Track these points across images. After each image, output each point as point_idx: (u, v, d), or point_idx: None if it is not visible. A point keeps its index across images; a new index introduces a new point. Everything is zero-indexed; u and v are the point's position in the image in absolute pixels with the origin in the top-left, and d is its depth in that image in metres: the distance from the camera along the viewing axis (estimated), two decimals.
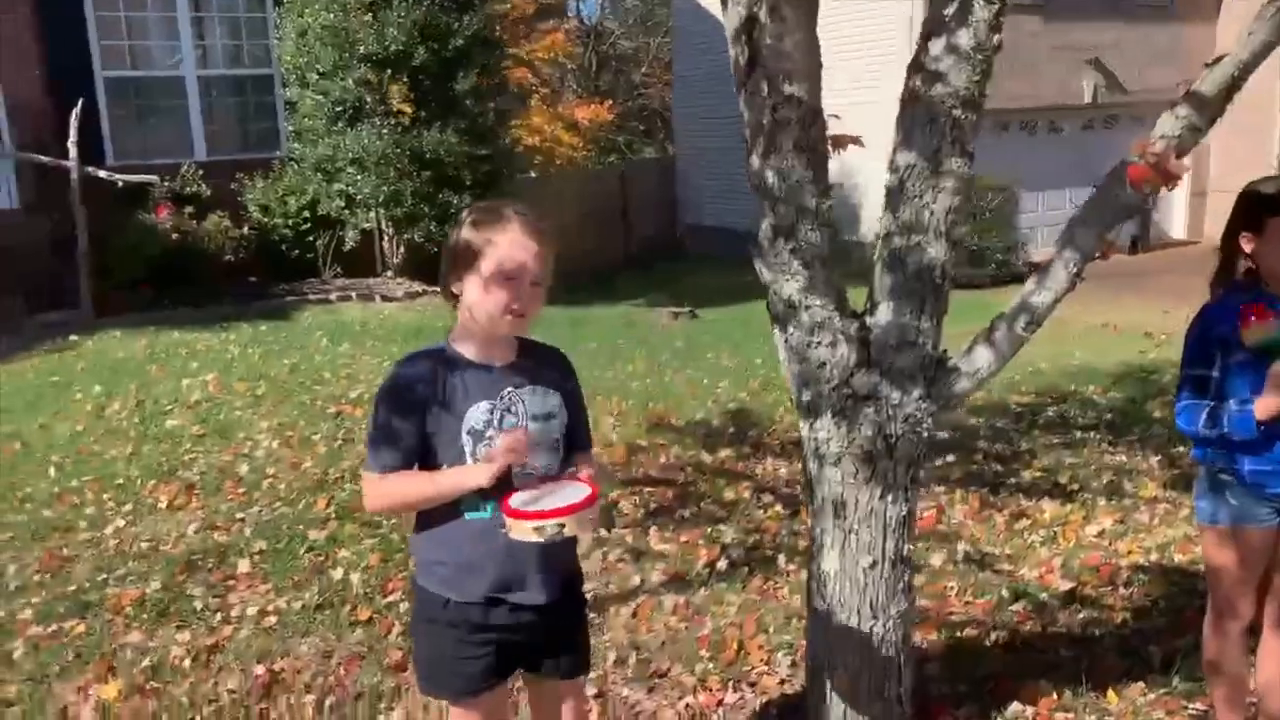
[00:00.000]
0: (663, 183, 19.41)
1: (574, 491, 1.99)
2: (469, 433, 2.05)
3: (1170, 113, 2.25)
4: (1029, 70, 14.01)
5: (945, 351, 2.48)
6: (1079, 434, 5.98)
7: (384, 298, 10.67)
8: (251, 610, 3.61)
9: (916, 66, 2.38)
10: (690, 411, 6.55)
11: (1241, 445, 2.56)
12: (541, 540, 1.91)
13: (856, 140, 2.50)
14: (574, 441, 2.21)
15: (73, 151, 9.29)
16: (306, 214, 11.30)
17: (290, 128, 11.70)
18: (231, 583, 3.88)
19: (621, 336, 9.47)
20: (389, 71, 10.79)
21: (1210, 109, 2.19)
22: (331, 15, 10.71)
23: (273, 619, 3.56)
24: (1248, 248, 2.59)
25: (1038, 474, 5.25)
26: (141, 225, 9.86)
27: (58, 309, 9.25)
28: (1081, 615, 3.67)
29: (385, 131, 10.68)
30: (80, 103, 9.50)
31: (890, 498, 2.48)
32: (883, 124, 2.57)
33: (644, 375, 7.66)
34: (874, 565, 2.49)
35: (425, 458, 2.06)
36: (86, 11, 11.09)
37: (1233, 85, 2.18)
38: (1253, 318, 2.49)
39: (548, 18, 19.80)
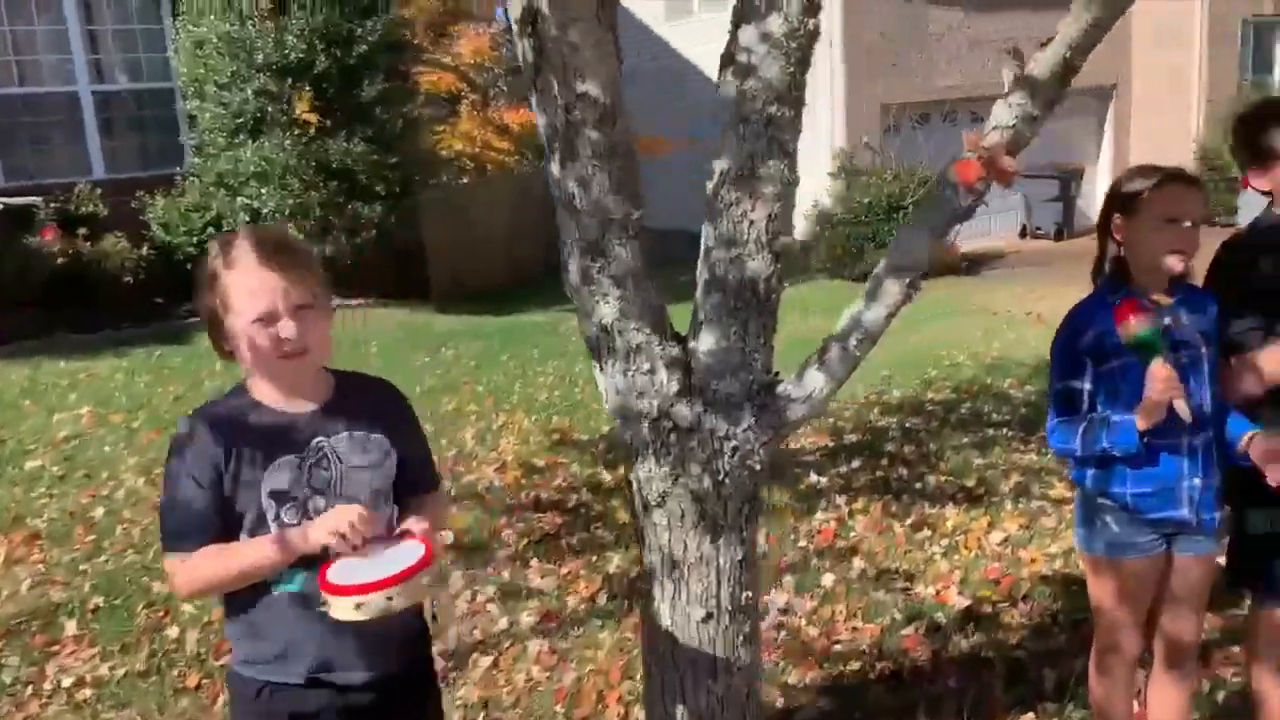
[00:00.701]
0: None
1: (403, 553, 1.69)
2: (271, 495, 1.76)
3: (1003, 100, 2.01)
4: (949, 62, 13.94)
5: (778, 374, 2.23)
6: (990, 432, 5.79)
7: None
8: (68, 681, 3.27)
9: (727, 59, 2.12)
10: (596, 425, 6.27)
11: (1123, 463, 2.33)
12: (365, 618, 1.62)
13: (667, 145, 2.24)
14: (413, 485, 1.94)
15: None
16: (212, 230, 10.86)
17: (192, 142, 11.26)
18: (54, 648, 3.52)
19: (538, 345, 9.16)
20: (290, 81, 10.39)
21: (1044, 94, 1.95)
22: (228, 25, 10.29)
23: (89, 691, 3.22)
24: (1119, 235, 2.38)
25: (944, 478, 5.04)
26: (26, 249, 9.36)
27: None
28: (976, 637, 3.45)
29: (289, 143, 10.28)
30: None
31: (723, 541, 2.21)
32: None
33: (553, 387, 7.37)
34: (709, 618, 2.23)
35: (229, 526, 1.76)
36: None
37: (1067, 67, 1.94)
38: (1131, 317, 2.25)
39: (467, 21, 19.39)
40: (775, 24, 2.04)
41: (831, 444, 5.67)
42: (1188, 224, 2.29)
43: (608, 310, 2.17)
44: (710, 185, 2.16)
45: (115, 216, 10.46)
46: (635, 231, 2.15)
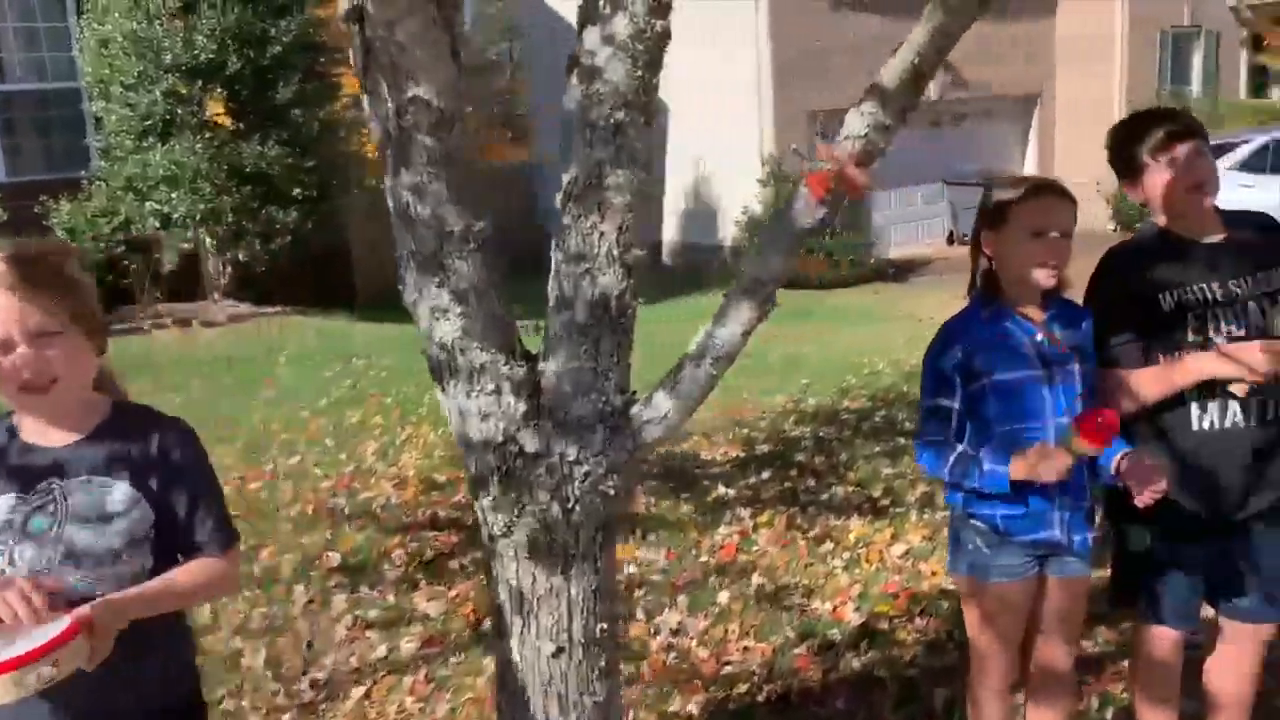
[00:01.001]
0: (526, 189, 18.86)
1: (45, 634, 1.46)
2: None
3: (855, 109, 1.93)
4: (873, 69, 14.04)
5: (634, 394, 2.11)
6: (902, 440, 5.74)
7: (205, 323, 9.96)
8: None
9: (572, 63, 2.00)
10: None
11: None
12: None
13: (523, 154, 2.12)
14: (173, 545, 1.73)
15: None
16: (120, 236, 10.51)
17: (99, 144, 10.88)
18: None
19: None
20: (201, 82, 10.09)
21: (895, 102, 1.87)
22: (134, 23, 9.95)
23: None
24: (988, 249, 2.32)
25: (851, 488, 4.99)
26: None
27: None
28: (869, 655, 3.38)
29: (200, 146, 9.97)
30: None
31: (575, 571, 2.09)
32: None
33: None
34: (560, 652, 2.10)
35: None
36: None
37: (917, 74, 1.86)
38: (1100, 441, 2.10)
39: None
40: (621, 25, 1.93)
41: (743, 455, 5.59)
42: (1055, 235, 2.23)
43: (448, 328, 2.04)
44: (559, 197, 2.05)
45: (16, 221, 10.04)
46: (478, 244, 2.02)
